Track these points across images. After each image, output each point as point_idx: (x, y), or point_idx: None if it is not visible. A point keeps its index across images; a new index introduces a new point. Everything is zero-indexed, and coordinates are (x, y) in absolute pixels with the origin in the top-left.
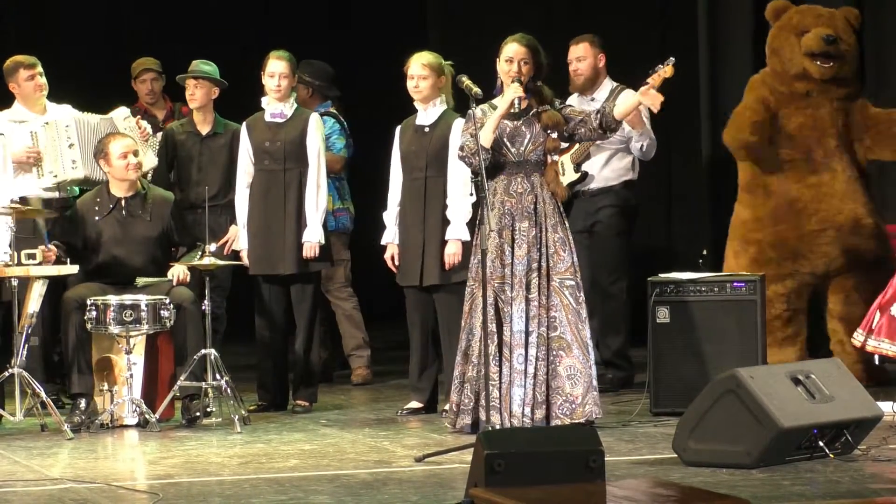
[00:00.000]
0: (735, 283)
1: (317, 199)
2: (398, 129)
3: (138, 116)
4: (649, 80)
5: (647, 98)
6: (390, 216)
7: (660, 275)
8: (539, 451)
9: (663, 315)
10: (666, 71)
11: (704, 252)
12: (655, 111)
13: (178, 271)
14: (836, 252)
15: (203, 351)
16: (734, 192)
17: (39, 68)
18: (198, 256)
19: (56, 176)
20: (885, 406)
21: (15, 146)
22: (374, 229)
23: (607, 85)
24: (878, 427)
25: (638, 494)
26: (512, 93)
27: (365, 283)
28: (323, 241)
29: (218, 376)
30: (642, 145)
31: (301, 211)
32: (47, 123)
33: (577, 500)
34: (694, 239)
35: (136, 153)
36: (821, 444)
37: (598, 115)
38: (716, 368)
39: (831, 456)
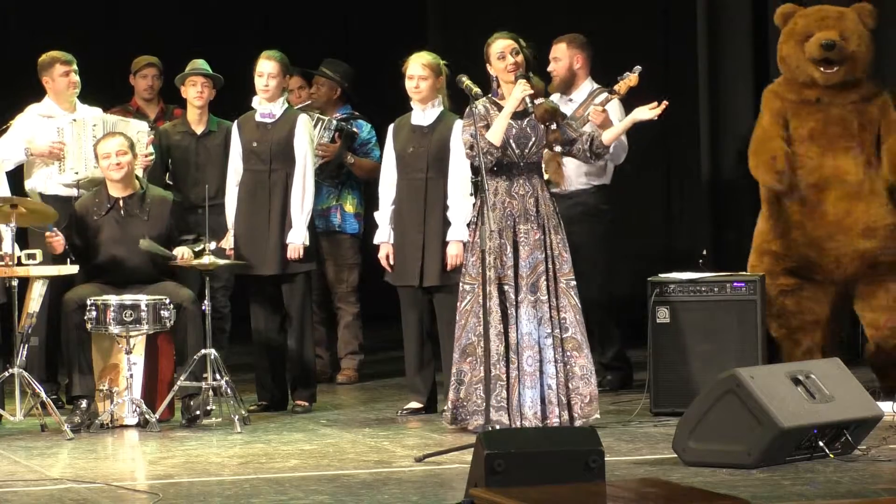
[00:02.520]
0: (735, 283)
1: (302, 200)
2: (391, 127)
3: (150, 138)
4: (615, 87)
5: (645, 114)
6: (384, 215)
7: (660, 275)
8: (539, 451)
9: (663, 315)
10: (631, 79)
11: (704, 252)
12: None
13: (183, 250)
14: (848, 257)
15: (203, 351)
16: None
17: (75, 66)
18: (199, 247)
19: (77, 173)
20: (885, 406)
21: (39, 140)
22: (371, 231)
23: (586, 87)
24: (878, 427)
25: (637, 494)
26: (521, 90)
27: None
28: (307, 243)
29: (218, 376)
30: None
31: (286, 212)
32: (75, 120)
33: (577, 500)
34: (694, 239)
35: (119, 153)
36: (821, 444)
37: (589, 139)
38: (716, 368)
39: (831, 456)
